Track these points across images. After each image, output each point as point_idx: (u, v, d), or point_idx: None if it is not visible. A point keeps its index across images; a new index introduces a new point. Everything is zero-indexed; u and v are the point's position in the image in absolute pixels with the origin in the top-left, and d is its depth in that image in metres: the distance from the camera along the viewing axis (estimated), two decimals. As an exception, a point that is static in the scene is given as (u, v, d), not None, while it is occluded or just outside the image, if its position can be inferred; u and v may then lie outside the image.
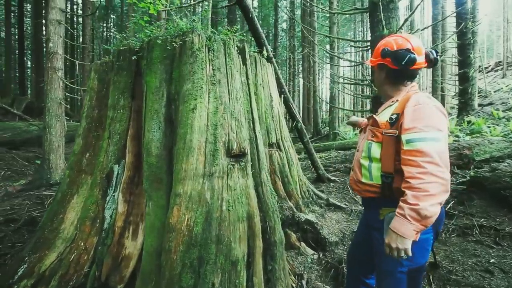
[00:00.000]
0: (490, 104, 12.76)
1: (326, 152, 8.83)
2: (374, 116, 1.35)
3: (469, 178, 4.12)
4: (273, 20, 17.17)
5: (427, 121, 1.14)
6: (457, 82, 11.87)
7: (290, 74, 16.94)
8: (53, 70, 4.32)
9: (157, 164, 1.86)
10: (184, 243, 1.52)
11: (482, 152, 5.35)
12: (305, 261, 2.48)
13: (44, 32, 3.94)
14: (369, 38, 7.05)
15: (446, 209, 3.68)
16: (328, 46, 12.39)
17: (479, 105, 12.45)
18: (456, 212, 3.57)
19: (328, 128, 12.59)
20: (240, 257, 1.51)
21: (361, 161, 1.35)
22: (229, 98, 1.81)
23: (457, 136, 8.02)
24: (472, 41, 10.92)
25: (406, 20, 5.94)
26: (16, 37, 15.76)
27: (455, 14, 10.49)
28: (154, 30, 1.92)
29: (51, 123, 4.28)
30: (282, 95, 3.53)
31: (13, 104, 9.04)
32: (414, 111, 1.18)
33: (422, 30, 6.67)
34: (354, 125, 1.89)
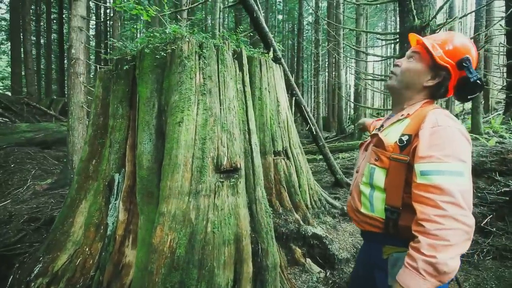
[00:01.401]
0: (545, 98, 11.15)
1: (350, 152, 8.38)
2: (379, 134, 1.08)
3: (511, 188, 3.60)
4: (298, 14, 16.63)
5: (449, 149, 0.89)
6: (504, 74, 10.55)
7: (315, 69, 16.38)
8: (75, 75, 4.53)
9: (148, 177, 1.80)
10: (166, 265, 1.44)
11: (531, 157, 4.66)
12: (310, 279, 2.30)
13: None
14: (398, 30, 6.46)
15: (482, 224, 3.24)
16: (354, 40, 11.70)
17: (532, 99, 10.94)
18: (494, 229, 3.12)
19: (353, 126, 11.96)
20: (223, 285, 1.39)
21: (361, 187, 1.12)
22: (220, 108, 1.68)
23: (501, 136, 7.12)
24: (524, 27, 9.57)
25: (441, 7, 5.30)
26: (56, 41, 17.13)
27: (503, -3, 9.25)
28: (147, 38, 1.85)
29: (74, 125, 4.51)
30: (294, 98, 3.32)
31: (51, 105, 9.83)
32: (432, 135, 0.93)
33: (460, 18, 5.95)
34: (363, 128, 1.65)
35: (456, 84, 1.02)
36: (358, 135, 10.81)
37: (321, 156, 5.36)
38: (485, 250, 2.78)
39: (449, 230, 0.83)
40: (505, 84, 10.93)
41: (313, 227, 2.68)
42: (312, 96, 22.90)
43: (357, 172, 1.22)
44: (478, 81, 0.98)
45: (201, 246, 1.44)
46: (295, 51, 19.59)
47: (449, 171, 0.87)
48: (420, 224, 0.88)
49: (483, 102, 10.91)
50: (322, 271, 2.43)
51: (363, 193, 1.11)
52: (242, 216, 1.58)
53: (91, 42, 17.39)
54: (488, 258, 2.69)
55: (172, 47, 1.68)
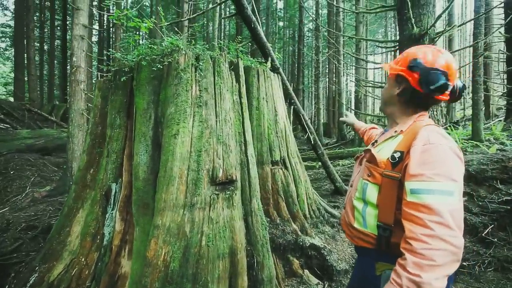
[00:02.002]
0: (546, 105, 11.14)
1: (350, 159, 8.35)
2: (371, 149, 1.09)
3: (513, 198, 3.56)
4: (298, 21, 16.81)
5: (440, 168, 0.89)
6: (505, 81, 10.55)
7: (315, 75, 16.48)
8: (76, 83, 4.57)
9: (144, 188, 1.80)
10: (160, 279, 1.42)
11: (532, 165, 4.61)
12: (308, 292, 2.26)
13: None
14: (398, 38, 6.50)
15: (483, 234, 3.19)
16: (354, 47, 11.77)
17: (533, 106, 10.92)
18: (496, 239, 3.08)
19: (353, 132, 11.95)
20: (217, 300, 1.38)
21: (354, 202, 1.12)
22: (216, 120, 1.69)
23: (502, 143, 7.08)
24: (523, 34, 9.61)
25: (439, 16, 5.35)
26: (60, 48, 17.35)
27: (502, 5, 9.32)
28: (144, 50, 1.87)
29: (73, 132, 4.53)
30: (292, 107, 3.33)
31: (52, 110, 9.90)
32: (423, 153, 0.92)
33: (459, 26, 5.98)
34: (350, 125, 1.66)
35: (418, 81, 1.02)
36: (359, 141, 10.79)
37: (320, 163, 5.35)
38: (486, 261, 2.74)
39: (436, 250, 0.82)
40: (505, 90, 10.92)
41: (311, 237, 2.65)
42: (313, 102, 22.96)
43: (351, 186, 1.22)
44: (431, 71, 1.00)
45: (195, 260, 1.42)
46: (296, 57, 19.73)
47: (439, 190, 0.87)
48: (408, 242, 0.88)
49: (483, 108, 10.90)
50: (320, 283, 2.39)
51: (356, 208, 1.11)
52: (237, 228, 1.56)
53: (93, 49, 17.61)
54: (490, 269, 2.65)
55: (169, 60, 1.69)
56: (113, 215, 2.39)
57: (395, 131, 1.10)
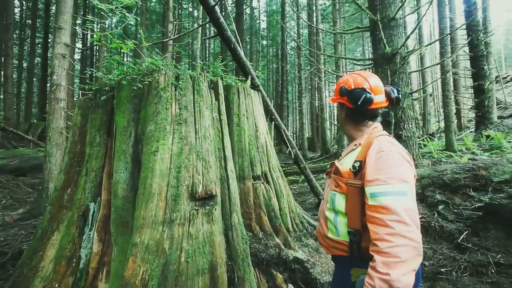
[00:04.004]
0: (511, 116, 12.04)
1: (334, 172, 8.51)
2: (336, 162, 1.22)
3: (484, 204, 3.75)
4: (281, 40, 17.51)
5: (392, 172, 1.00)
6: (473, 95, 11.35)
7: (299, 92, 16.99)
8: (55, 101, 4.50)
9: (123, 206, 1.78)
10: (138, 300, 1.39)
11: (500, 173, 4.90)
12: (292, 307, 2.25)
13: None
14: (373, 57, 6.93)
15: (459, 240, 3.33)
16: (334, 65, 12.36)
17: (499, 117, 11.76)
18: (470, 245, 3.22)
19: (337, 146, 12.27)
20: (196, 318, 1.36)
21: (326, 213, 1.20)
22: (196, 137, 1.73)
23: (473, 153, 7.51)
24: (485, 52, 10.52)
25: (407, 38, 5.80)
26: (40, 65, 17.00)
27: (464, 27, 10.22)
28: (126, 69, 1.92)
29: (51, 151, 4.39)
30: (273, 122, 3.44)
31: (29, 129, 9.53)
32: (377, 160, 1.05)
33: (426, 46, 6.48)
34: None
35: (349, 102, 1.21)
36: (342, 154, 11.03)
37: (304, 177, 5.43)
38: (462, 266, 2.84)
39: (399, 247, 0.90)
40: (473, 104, 11.72)
41: (294, 251, 2.66)
42: (297, 118, 23.48)
43: (323, 199, 1.31)
44: (353, 92, 1.19)
45: (174, 277, 1.41)
46: (280, 74, 20.38)
47: (394, 191, 0.97)
48: (374, 244, 0.95)
49: (455, 121, 11.60)
50: (304, 296, 2.39)
51: (328, 218, 1.18)
52: (217, 243, 1.57)
53: (76, 67, 17.37)
54: (466, 274, 2.75)
55: (149, 79, 1.75)
56: (90, 236, 2.32)
57: (355, 144, 1.22)
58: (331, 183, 1.21)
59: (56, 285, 2.29)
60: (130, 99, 1.85)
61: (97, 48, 12.95)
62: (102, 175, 2.28)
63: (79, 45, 17.73)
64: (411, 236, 0.91)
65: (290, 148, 3.61)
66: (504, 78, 20.52)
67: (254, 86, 2.99)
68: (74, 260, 2.32)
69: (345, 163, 1.18)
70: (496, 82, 14.92)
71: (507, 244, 3.09)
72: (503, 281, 2.55)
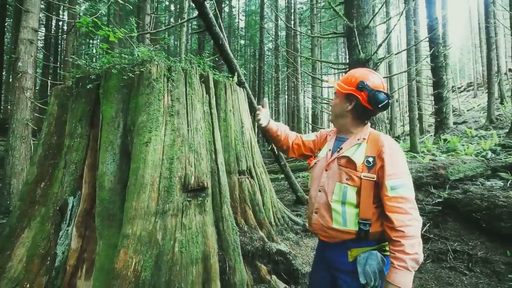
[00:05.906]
0: (464, 122, 13.39)
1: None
2: (350, 156, 1.23)
3: (443, 199, 4.17)
4: (259, 41, 17.68)
5: (403, 167, 1.17)
6: (433, 102, 12.44)
7: (275, 92, 17.28)
8: (20, 90, 4.15)
9: (109, 199, 1.73)
10: (130, 291, 1.38)
11: (456, 172, 5.47)
12: (276, 296, 2.34)
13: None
14: (347, 61, 7.32)
15: (422, 232, 3.68)
16: (310, 67, 12.78)
17: (454, 123, 13.04)
18: (432, 235, 3.55)
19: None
20: (191, 306, 1.38)
21: (333, 205, 1.22)
22: (188, 129, 1.74)
23: (434, 154, 8.24)
24: (444, 63, 11.61)
25: (379, 45, 6.22)
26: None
27: (427, 39, 11.19)
28: (113, 58, 1.86)
29: (14, 145, 4.04)
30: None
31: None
32: (391, 156, 1.17)
33: (396, 54, 7.01)
34: (257, 120, 1.61)
35: (367, 100, 1.25)
36: (317, 154, 11.43)
37: (282, 175, 5.59)
38: (425, 254, 3.15)
39: (417, 229, 1.10)
40: (433, 110, 12.86)
41: (277, 243, 2.76)
42: (273, 118, 23.82)
43: (320, 191, 1.31)
44: (376, 93, 1.23)
45: (168, 267, 1.42)
46: (257, 74, 20.54)
47: (407, 183, 1.14)
48: (399, 230, 1.09)
49: (418, 125, 12.64)
50: (287, 286, 2.49)
51: (335, 210, 1.22)
52: (209, 234, 1.60)
53: (38, 55, 15.93)
54: (428, 261, 3.05)
55: (141, 69, 1.72)
56: (68, 232, 2.21)
57: (358, 139, 1.28)
58: (339, 176, 1.23)
59: (28, 285, 2.15)
60: (119, 89, 1.80)
61: (66, 36, 12.03)
62: (83, 167, 2.18)
63: (41, 31, 16.28)
64: (420, 218, 1.11)
65: (272, 145, 3.70)
66: (459, 88, 22.75)
67: (239, 83, 3.04)
68: (49, 258, 2.20)
69: (356, 157, 1.23)
70: (452, 91, 16.50)
71: (462, 234, 3.47)
72: (459, 266, 2.87)
